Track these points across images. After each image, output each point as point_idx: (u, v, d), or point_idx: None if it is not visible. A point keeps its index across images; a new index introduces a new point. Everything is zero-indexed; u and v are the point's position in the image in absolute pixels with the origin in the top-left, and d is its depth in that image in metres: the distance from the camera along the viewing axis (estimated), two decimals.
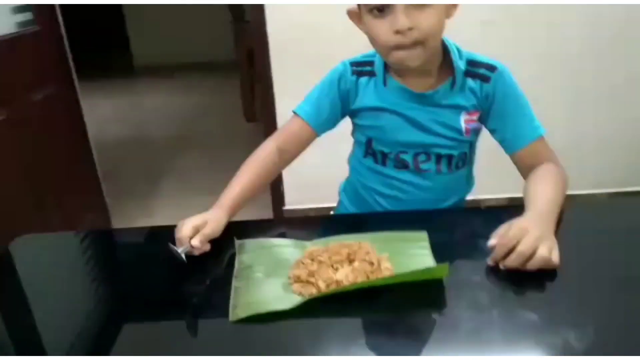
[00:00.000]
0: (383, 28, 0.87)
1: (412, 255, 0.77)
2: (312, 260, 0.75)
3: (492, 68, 0.95)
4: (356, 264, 0.73)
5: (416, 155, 1.00)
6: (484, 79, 0.95)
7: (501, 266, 0.73)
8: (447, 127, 0.97)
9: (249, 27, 3.33)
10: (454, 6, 0.91)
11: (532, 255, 0.71)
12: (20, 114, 1.86)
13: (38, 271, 0.88)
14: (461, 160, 1.02)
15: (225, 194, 0.92)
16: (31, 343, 0.70)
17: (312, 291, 0.70)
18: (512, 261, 0.72)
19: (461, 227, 0.87)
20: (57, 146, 2.10)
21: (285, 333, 0.67)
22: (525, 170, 0.96)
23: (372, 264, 0.73)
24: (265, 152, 1.01)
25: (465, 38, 1.01)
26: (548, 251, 0.72)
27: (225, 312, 0.68)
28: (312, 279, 0.72)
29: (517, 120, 0.96)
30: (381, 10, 0.87)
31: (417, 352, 0.62)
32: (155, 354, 0.64)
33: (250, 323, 0.67)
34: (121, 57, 5.91)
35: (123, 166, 3.12)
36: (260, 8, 2.04)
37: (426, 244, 0.80)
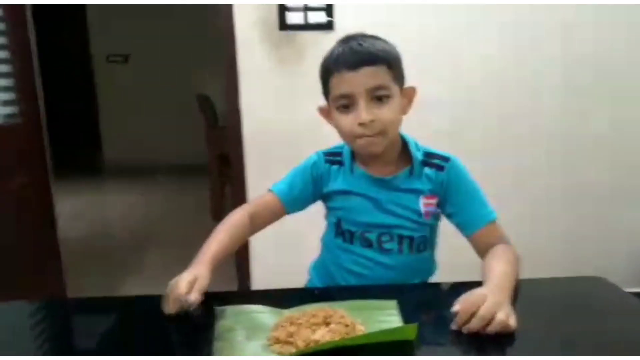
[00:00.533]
0: (348, 121, 1.02)
1: (382, 321, 0.83)
2: (291, 323, 0.80)
3: (445, 159, 1.09)
4: (332, 325, 0.78)
5: (380, 235, 1.09)
6: (439, 167, 1.08)
7: (464, 330, 0.80)
8: (407, 209, 1.08)
9: (222, 132, 3.54)
10: (409, 104, 1.07)
11: (491, 319, 0.79)
12: None
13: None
14: (422, 243, 1.11)
15: (203, 252, 1.00)
16: None
17: (291, 350, 0.74)
18: (473, 325, 0.79)
19: (427, 298, 0.94)
20: (25, 236, 2.10)
21: None
22: (481, 249, 1.06)
23: (347, 325, 0.78)
24: (237, 216, 1.10)
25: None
26: (505, 316, 0.80)
27: None
28: (291, 339, 0.76)
29: (471, 206, 1.08)
30: (346, 106, 1.02)
31: None
32: None
33: None
34: (92, 155, 6.00)
35: (87, 263, 3.06)
36: (237, 112, 2.20)
37: (395, 311, 0.86)
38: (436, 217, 1.11)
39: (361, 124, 1.00)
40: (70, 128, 5.52)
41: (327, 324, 0.79)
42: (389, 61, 1.01)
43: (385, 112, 1.00)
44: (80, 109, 5.98)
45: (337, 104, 1.03)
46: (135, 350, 0.80)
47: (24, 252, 2.07)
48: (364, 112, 0.99)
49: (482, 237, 1.07)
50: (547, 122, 2.18)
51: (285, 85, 2.14)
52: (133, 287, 2.72)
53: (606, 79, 2.15)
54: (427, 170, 1.08)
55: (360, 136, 1.01)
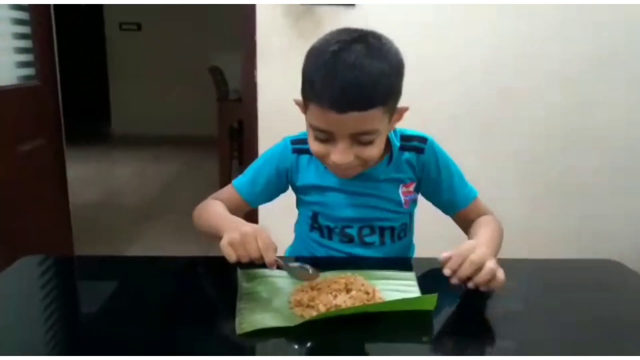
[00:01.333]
0: (321, 151, 0.91)
1: (401, 291, 0.84)
2: (312, 288, 0.82)
3: (423, 140, 1.03)
4: (353, 292, 0.79)
5: (361, 229, 1.05)
6: (418, 150, 1.03)
7: (454, 279, 0.82)
8: (387, 200, 1.03)
9: (233, 106, 3.54)
10: (398, 120, 0.96)
11: (481, 266, 0.81)
12: (7, 162, 1.90)
13: (43, 292, 0.90)
14: (403, 230, 1.08)
15: (216, 216, 0.97)
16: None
17: (312, 313, 0.76)
18: (464, 269, 0.81)
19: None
20: (37, 199, 2.12)
21: (287, 348, 0.72)
22: (467, 225, 1.07)
23: (367, 293, 0.80)
24: (218, 202, 1.05)
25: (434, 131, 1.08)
26: (495, 266, 0.82)
27: (231, 329, 0.73)
28: (312, 303, 0.78)
29: (453, 186, 1.06)
30: (325, 140, 0.90)
31: None
32: None
33: (255, 337, 0.72)
34: (101, 124, 6.01)
35: (94, 228, 3.10)
36: (252, 84, 2.20)
37: (414, 282, 0.87)
38: (415, 203, 1.09)
39: (334, 163, 0.90)
40: (80, 96, 5.52)
41: (348, 290, 0.80)
42: (385, 100, 0.86)
43: (368, 152, 0.90)
44: (91, 77, 5.97)
45: (313, 132, 0.91)
46: (154, 312, 0.82)
47: (36, 215, 2.09)
48: (342, 154, 0.88)
49: (467, 215, 1.07)
50: (553, 104, 2.17)
51: (302, 60, 2.13)
52: (140, 255, 2.75)
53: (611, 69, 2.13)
54: (406, 154, 1.03)
55: (331, 167, 0.95)
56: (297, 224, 1.15)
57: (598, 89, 2.13)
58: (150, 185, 4.15)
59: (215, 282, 0.91)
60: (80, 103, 5.47)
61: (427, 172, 1.04)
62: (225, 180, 3.79)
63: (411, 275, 0.90)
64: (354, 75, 0.82)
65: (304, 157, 1.05)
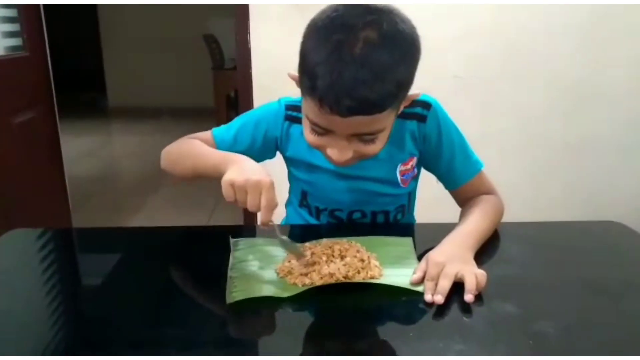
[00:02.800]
0: (317, 142, 0.82)
1: (397, 257, 0.82)
2: (306, 253, 0.79)
3: (427, 105, 0.92)
4: (347, 259, 0.77)
5: (351, 213, 0.98)
6: (421, 118, 0.92)
7: (438, 298, 0.70)
8: (382, 182, 0.95)
9: (228, 74, 3.48)
10: (406, 104, 0.85)
11: (460, 277, 0.73)
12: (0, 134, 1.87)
13: (32, 265, 0.88)
14: (399, 213, 1.01)
15: (214, 152, 0.90)
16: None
17: (305, 282, 0.74)
18: (443, 288, 0.71)
19: (440, 237, 0.91)
20: (32, 171, 2.09)
21: (279, 317, 0.70)
22: (463, 202, 0.98)
23: (362, 260, 0.77)
24: (198, 141, 0.96)
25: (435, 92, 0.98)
26: (470, 272, 0.73)
27: (221, 298, 0.71)
28: (304, 271, 0.76)
29: (454, 159, 0.95)
30: (322, 134, 0.80)
31: (404, 339, 0.65)
32: (150, 339, 0.67)
33: (245, 307, 0.70)
34: (97, 97, 5.94)
35: (93, 200, 3.09)
36: (247, 52, 2.14)
37: (410, 249, 0.85)
38: (415, 179, 1.00)
39: (330, 158, 0.82)
40: (74, 68, 5.43)
41: (343, 257, 0.78)
42: (395, 99, 0.76)
43: (368, 149, 0.80)
44: (84, 49, 5.87)
45: (310, 126, 0.81)
46: (145, 283, 0.80)
47: (31, 188, 2.07)
48: (340, 152, 0.79)
49: (467, 191, 0.97)
50: (562, 66, 2.11)
51: (298, 26, 2.06)
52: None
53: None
54: (407, 124, 0.92)
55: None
56: (288, 200, 1.08)
57: (606, 46, 2.06)
58: (148, 157, 4.11)
59: (211, 252, 0.88)
60: (74, 75, 5.39)
61: (429, 143, 0.95)
62: None
63: (408, 241, 0.87)
64: (361, 74, 0.70)
65: (297, 128, 0.95)
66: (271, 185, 0.74)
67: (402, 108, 0.84)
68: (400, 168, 0.95)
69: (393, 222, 1.01)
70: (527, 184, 2.16)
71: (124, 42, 5.68)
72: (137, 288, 0.79)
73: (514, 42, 2.05)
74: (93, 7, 5.73)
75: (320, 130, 0.79)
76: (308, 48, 0.76)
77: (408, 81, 0.78)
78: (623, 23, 2.03)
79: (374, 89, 0.71)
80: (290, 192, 1.08)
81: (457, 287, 0.73)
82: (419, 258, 0.81)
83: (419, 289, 0.74)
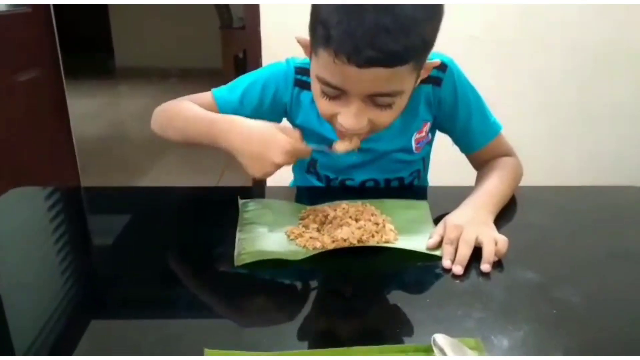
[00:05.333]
0: (329, 109, 0.75)
1: (413, 221, 0.78)
2: (317, 216, 0.76)
3: (442, 67, 0.85)
4: (361, 222, 0.74)
5: (363, 182, 0.94)
6: (436, 81, 0.87)
7: (458, 268, 0.67)
8: (396, 151, 0.91)
9: (237, 34, 3.40)
10: (424, 74, 0.78)
11: (479, 242, 0.69)
12: (3, 93, 1.83)
13: (34, 223, 0.86)
14: (414, 179, 0.97)
15: (205, 115, 0.83)
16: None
17: (317, 245, 0.71)
18: (463, 255, 0.68)
19: (457, 200, 0.88)
20: (38, 131, 2.06)
21: (288, 280, 0.68)
22: (480, 165, 0.94)
23: (377, 224, 0.74)
24: (190, 103, 0.88)
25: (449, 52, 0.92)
26: (490, 237, 0.69)
27: (229, 260, 0.68)
28: (316, 234, 0.73)
29: (471, 121, 0.90)
30: (334, 97, 0.74)
31: (420, 305, 0.63)
32: (158, 299, 0.65)
33: (254, 269, 0.67)
34: (104, 58, 5.86)
35: (101, 162, 3.07)
36: (255, 10, 2.07)
37: (426, 212, 0.81)
38: (429, 144, 0.96)
39: (343, 126, 0.75)
40: (80, 28, 5.34)
41: (357, 220, 0.74)
42: (418, 54, 0.69)
43: (382, 117, 0.74)
44: (91, 8, 5.75)
45: (322, 87, 0.74)
46: (154, 243, 0.78)
47: (38, 148, 2.05)
48: (353, 118, 0.72)
49: (484, 155, 0.93)
50: (583, 31, 2.02)
51: None
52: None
53: None
54: (422, 88, 0.86)
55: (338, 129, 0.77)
56: (295, 166, 1.00)
57: (627, 10, 1.97)
58: None
59: (220, 212, 0.85)
60: (81, 36, 5.30)
61: (444, 107, 0.89)
62: None
63: (424, 204, 0.83)
64: (384, 19, 0.64)
65: (307, 95, 0.88)
66: (287, 141, 0.71)
67: (420, 77, 0.77)
68: (415, 137, 0.91)
69: (408, 188, 0.96)
70: (542, 148, 2.11)
71: (131, 2, 5.55)
72: (145, 248, 0.77)
73: (533, 4, 1.96)
74: None
75: (333, 92, 0.72)
76: (318, 8, 0.69)
77: (431, 40, 0.71)
78: None
79: (398, 40, 0.64)
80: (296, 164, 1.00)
81: (477, 252, 0.69)
82: (435, 222, 0.77)
83: (437, 253, 0.71)
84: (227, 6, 3.79)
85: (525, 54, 2.03)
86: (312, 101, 0.83)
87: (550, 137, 2.14)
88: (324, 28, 0.67)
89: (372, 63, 0.65)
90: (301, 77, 0.89)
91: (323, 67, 0.71)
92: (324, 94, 0.74)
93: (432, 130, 0.94)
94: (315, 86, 0.76)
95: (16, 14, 1.95)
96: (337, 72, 0.69)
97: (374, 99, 0.72)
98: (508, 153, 0.94)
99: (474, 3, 1.95)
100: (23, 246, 0.79)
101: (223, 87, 0.92)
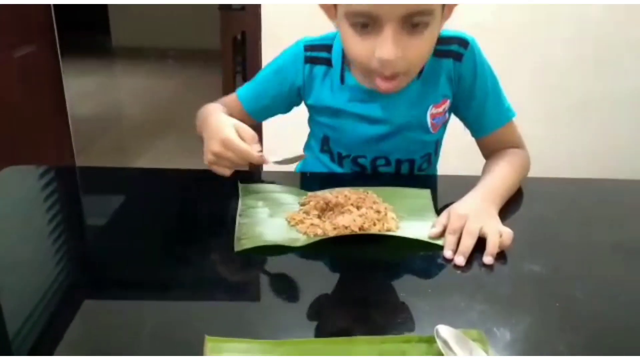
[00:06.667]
0: (363, 48, 0.74)
1: (415, 210, 0.77)
2: (318, 203, 0.75)
3: (464, 43, 0.86)
4: (363, 210, 0.72)
5: (375, 159, 0.93)
6: (457, 56, 0.86)
7: (460, 259, 0.66)
8: (411, 128, 0.89)
9: (236, 15, 3.34)
10: (452, 9, 0.79)
11: (483, 234, 0.68)
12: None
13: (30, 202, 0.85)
14: (425, 162, 0.95)
15: (208, 113, 0.86)
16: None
17: (317, 232, 0.70)
18: (466, 246, 0.67)
19: (460, 190, 0.86)
20: (34, 109, 2.03)
21: (288, 267, 0.66)
22: (490, 153, 0.92)
23: (378, 212, 0.73)
24: (213, 105, 0.93)
25: None
26: (495, 229, 0.69)
27: (229, 245, 0.67)
28: (317, 221, 0.72)
29: (486, 104, 0.89)
30: (365, 26, 0.73)
31: (422, 295, 0.62)
32: (156, 282, 0.64)
33: (254, 255, 0.66)
34: (101, 37, 5.78)
35: (97, 142, 3.04)
36: None
37: (428, 201, 0.80)
38: (445, 126, 0.94)
39: (381, 59, 0.73)
40: (79, 10, 5.25)
41: (358, 207, 0.73)
42: None
43: (418, 45, 0.73)
44: None
45: (352, 20, 0.73)
46: (152, 226, 0.77)
47: (34, 125, 2.02)
48: (390, 44, 0.70)
49: (495, 141, 0.91)
50: (591, 24, 2.00)
51: None
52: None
53: None
54: (443, 62, 0.86)
55: (376, 71, 0.76)
56: (307, 145, 1.02)
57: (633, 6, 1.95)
58: (153, 99, 4.04)
59: (219, 196, 0.84)
60: (78, 14, 5.22)
61: (463, 83, 0.87)
62: (229, 94, 3.67)
63: (426, 193, 0.82)
64: None
65: (319, 69, 0.88)
66: (230, 136, 0.74)
67: (445, 18, 0.77)
68: (431, 111, 0.88)
69: (417, 172, 0.95)
70: (546, 138, 2.09)
71: (128, 2, 5.47)
72: (143, 230, 0.75)
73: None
74: None
75: (364, 21, 0.71)
76: None
77: None
78: None
79: None
80: (310, 136, 1.01)
81: (480, 243, 0.68)
82: (439, 212, 0.76)
83: (439, 242, 0.70)
84: None
85: (529, 44, 2.01)
86: (325, 75, 0.86)
87: (552, 126, 2.13)
88: None
89: None
90: (311, 53, 0.89)
91: None
92: (355, 33, 0.74)
93: (450, 111, 0.92)
94: (347, 30, 0.75)
95: None
96: None
97: (408, 21, 0.71)
98: (518, 144, 0.93)
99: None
100: (17, 225, 0.77)
101: (245, 85, 0.96)
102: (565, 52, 2.02)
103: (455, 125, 0.96)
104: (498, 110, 0.91)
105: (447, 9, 0.77)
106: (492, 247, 0.67)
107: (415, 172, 0.95)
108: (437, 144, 0.97)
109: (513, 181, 0.83)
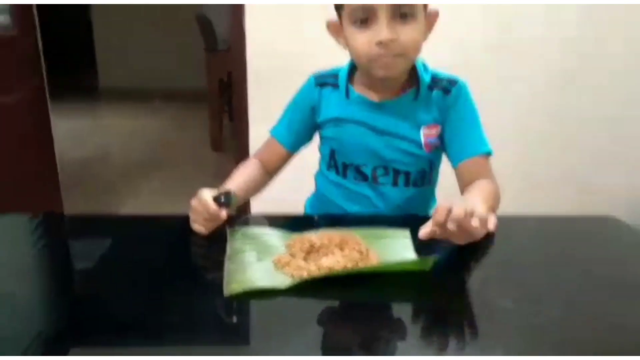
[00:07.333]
0: (365, 40, 0.91)
1: (396, 249, 0.81)
2: (303, 245, 0.79)
3: (453, 82, 1.00)
4: (346, 251, 0.76)
5: (375, 168, 1.03)
6: (446, 91, 0.99)
7: (451, 224, 0.72)
8: (406, 140, 1.00)
9: (222, 56, 3.43)
10: (429, 30, 0.96)
11: (472, 213, 0.73)
12: None
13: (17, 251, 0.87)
14: (420, 178, 1.04)
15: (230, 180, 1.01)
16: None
17: (303, 274, 0.73)
18: (456, 215, 0.72)
19: None
20: (22, 153, 2.06)
21: (277, 309, 0.69)
22: (465, 183, 0.99)
23: (361, 252, 0.77)
24: (251, 162, 1.10)
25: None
26: (483, 212, 0.75)
27: (219, 289, 0.70)
28: (303, 263, 0.75)
29: (466, 133, 0.99)
30: (364, 21, 0.91)
31: (402, 334, 0.65)
32: (146, 328, 0.66)
33: (243, 298, 0.69)
34: (88, 78, 5.85)
35: (84, 184, 3.05)
36: (241, 33, 2.10)
37: (408, 240, 0.84)
38: (438, 150, 1.03)
39: (380, 43, 0.89)
40: (64, 47, 5.33)
41: (341, 249, 0.77)
42: None
43: (408, 32, 0.90)
44: (75, 28, 5.76)
45: (353, 18, 0.92)
46: (140, 272, 0.79)
47: (21, 170, 2.04)
48: (385, 29, 0.88)
49: (469, 170, 0.98)
50: (557, 57, 2.11)
51: (295, 6, 2.04)
52: (132, 212, 2.71)
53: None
54: (434, 93, 0.99)
55: (377, 57, 0.91)
56: (317, 171, 1.15)
57: (596, 43, 2.06)
58: (140, 140, 4.07)
59: (206, 241, 0.87)
60: (65, 56, 5.29)
61: (448, 114, 0.99)
62: (216, 138, 3.73)
63: (406, 233, 0.86)
64: None
65: (327, 89, 1.06)
66: (199, 193, 0.88)
67: (430, 25, 0.95)
68: (424, 130, 1.00)
69: (413, 185, 1.04)
70: (516, 173, 2.16)
71: (115, 22, 5.58)
72: (131, 275, 0.78)
73: (508, 23, 2.05)
74: None
75: (363, 15, 0.89)
76: None
77: None
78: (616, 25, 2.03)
79: None
80: (320, 162, 1.13)
81: (460, 282, 0.72)
82: (419, 250, 0.80)
83: (423, 264, 0.74)
84: (212, 28, 3.83)
85: (499, 83, 2.10)
86: (331, 92, 1.04)
87: (522, 162, 2.20)
88: None
89: None
90: (321, 79, 1.07)
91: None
92: (357, 29, 0.91)
93: (440, 136, 1.01)
94: (350, 31, 0.93)
95: (3, 38, 1.96)
96: None
97: (397, 11, 0.88)
98: (490, 177, 1.00)
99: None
100: (2, 274, 0.79)
101: (276, 124, 1.11)
102: (529, 90, 2.12)
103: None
104: (475, 140, 1.00)
105: (428, 18, 0.94)
106: (482, 216, 0.74)
107: (410, 186, 1.04)
108: (432, 164, 1.05)
109: (492, 205, 0.90)
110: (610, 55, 2.08)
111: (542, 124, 2.16)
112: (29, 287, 0.75)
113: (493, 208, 0.91)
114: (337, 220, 0.96)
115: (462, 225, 0.73)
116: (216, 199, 0.86)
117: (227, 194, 0.88)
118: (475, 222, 0.73)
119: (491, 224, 0.76)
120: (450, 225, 0.73)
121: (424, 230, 0.77)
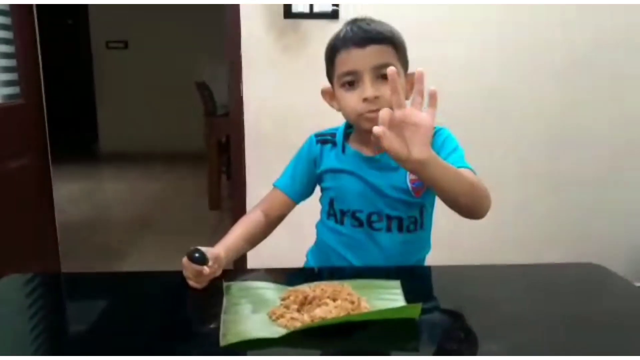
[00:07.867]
0: (353, 98, 1.03)
1: (386, 300, 0.84)
2: (297, 297, 0.82)
3: (435, 131, 1.04)
4: (338, 302, 0.79)
5: (370, 215, 1.09)
6: None
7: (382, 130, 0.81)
8: (395, 188, 1.07)
9: (221, 120, 3.55)
10: (411, 90, 1.00)
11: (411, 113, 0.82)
12: None
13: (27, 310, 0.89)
14: (412, 224, 1.09)
15: (219, 243, 1.04)
16: None
17: (296, 324, 0.76)
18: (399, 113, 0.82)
19: (428, 279, 0.95)
20: (23, 217, 2.10)
21: (271, 359, 0.72)
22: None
23: (352, 302, 0.80)
24: (253, 214, 1.16)
25: None
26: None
27: (215, 340, 0.73)
28: (296, 314, 0.78)
29: (447, 154, 1.02)
30: (352, 84, 1.03)
31: None
32: None
33: (239, 348, 0.72)
34: (89, 141, 5.98)
35: (83, 247, 3.07)
36: (239, 99, 2.20)
37: (399, 291, 0.87)
38: (429, 194, 1.08)
39: (366, 100, 1.00)
40: (67, 113, 5.50)
41: (334, 299, 0.80)
42: (395, 42, 1.03)
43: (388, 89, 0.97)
44: (78, 95, 5.95)
45: (342, 81, 1.04)
46: (139, 326, 0.82)
47: (21, 234, 2.07)
48: (369, 88, 1.00)
49: None
50: (544, 106, 2.21)
51: (289, 73, 2.15)
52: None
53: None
54: None
55: (364, 113, 1.01)
56: (318, 221, 1.20)
57: (585, 88, 2.18)
58: (139, 202, 4.12)
59: (203, 296, 0.90)
60: (67, 121, 5.45)
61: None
62: (214, 196, 3.80)
63: (396, 284, 0.90)
64: (370, 24, 1.04)
65: (327, 146, 1.15)
66: (184, 268, 0.93)
67: (410, 84, 1.01)
68: (410, 176, 1.06)
69: (406, 232, 1.08)
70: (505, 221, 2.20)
71: (116, 88, 5.79)
72: (129, 330, 0.80)
73: (494, 82, 2.16)
74: (88, 54, 5.86)
75: (351, 78, 1.02)
76: (330, 43, 1.07)
77: (405, 48, 1.06)
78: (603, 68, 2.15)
79: (381, 30, 1.03)
80: (321, 213, 1.19)
81: (447, 328, 0.75)
82: (408, 300, 0.83)
83: (411, 311, 0.77)
84: (210, 94, 3.98)
85: (488, 132, 2.19)
86: (331, 149, 1.14)
87: (518, 211, 2.25)
88: (335, 44, 1.05)
89: (367, 42, 1.01)
90: (321, 137, 1.17)
91: (341, 65, 1.04)
92: (346, 91, 1.04)
93: None
94: (340, 95, 1.05)
95: (11, 106, 2.06)
96: (348, 60, 1.02)
97: (378, 72, 1.00)
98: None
99: None
100: (3, 334, 0.81)
101: (280, 178, 1.19)
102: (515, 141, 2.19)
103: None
104: (460, 161, 1.02)
105: (408, 77, 1.04)
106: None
107: (404, 231, 1.09)
108: (422, 210, 1.10)
109: (461, 177, 0.91)
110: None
111: (535, 174, 2.23)
112: (24, 347, 0.77)
113: (469, 186, 0.93)
114: (331, 273, 0.99)
115: (402, 119, 0.82)
116: (190, 258, 0.90)
117: (198, 252, 0.91)
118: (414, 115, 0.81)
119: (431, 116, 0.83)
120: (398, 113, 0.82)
121: (375, 128, 0.82)
